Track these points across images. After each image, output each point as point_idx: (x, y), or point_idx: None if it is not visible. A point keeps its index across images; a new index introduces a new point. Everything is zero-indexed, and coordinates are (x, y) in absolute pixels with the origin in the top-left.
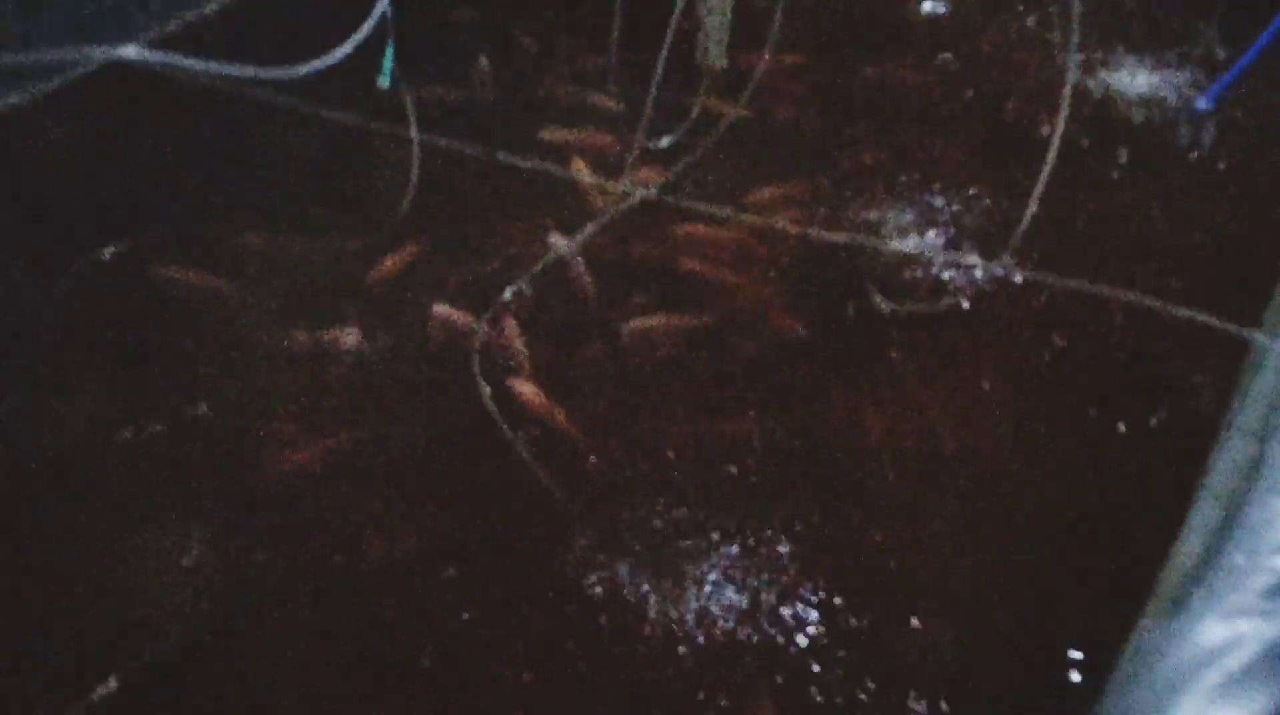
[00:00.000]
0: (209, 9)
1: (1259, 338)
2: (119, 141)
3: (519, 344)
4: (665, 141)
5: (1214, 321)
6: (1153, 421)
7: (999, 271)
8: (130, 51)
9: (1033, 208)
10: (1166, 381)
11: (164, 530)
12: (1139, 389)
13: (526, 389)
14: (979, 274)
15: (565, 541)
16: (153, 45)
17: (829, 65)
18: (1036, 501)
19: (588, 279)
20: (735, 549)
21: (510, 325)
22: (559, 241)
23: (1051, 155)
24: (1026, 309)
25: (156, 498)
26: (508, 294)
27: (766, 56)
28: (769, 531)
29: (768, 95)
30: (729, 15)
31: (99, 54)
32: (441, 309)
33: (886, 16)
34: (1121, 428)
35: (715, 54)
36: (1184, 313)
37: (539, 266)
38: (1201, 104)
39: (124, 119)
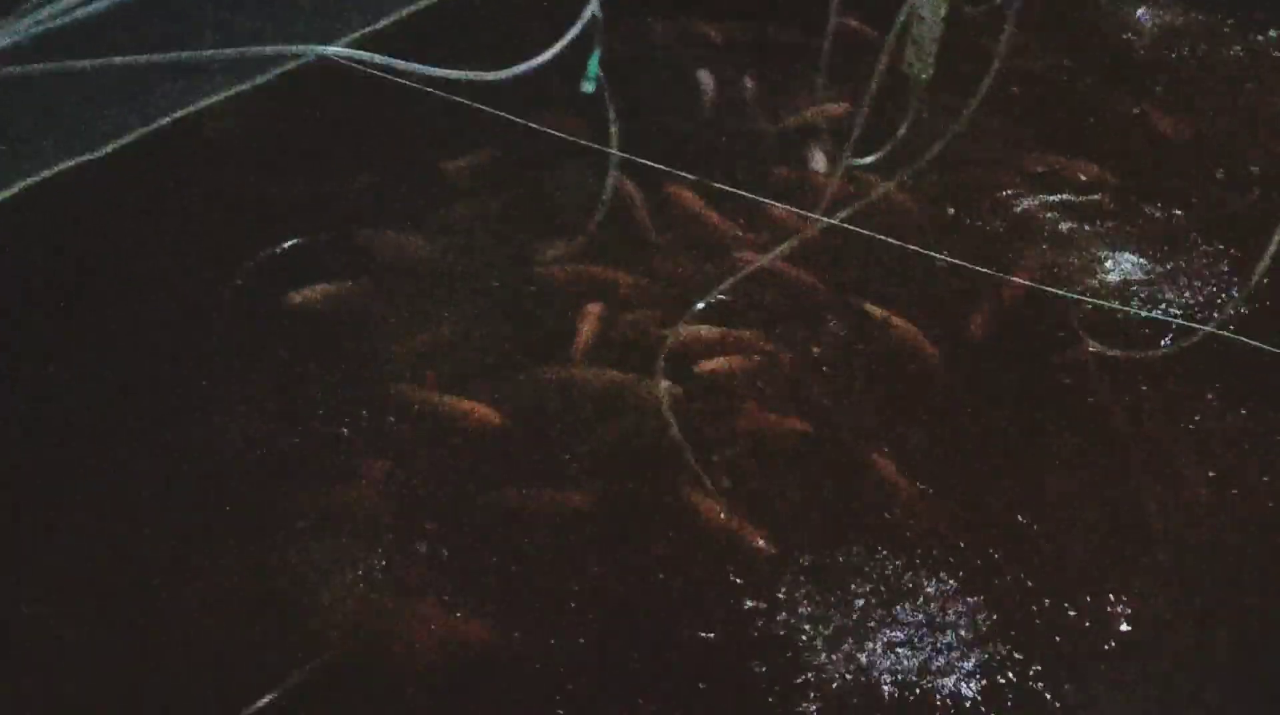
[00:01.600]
0: (417, 7)
1: None
2: (316, 139)
3: None
4: (869, 159)
5: None
6: None
7: None
8: (336, 49)
9: None
10: None
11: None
12: None
13: None
14: None
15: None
16: (359, 44)
17: None
18: None
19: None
20: None
21: None
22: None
23: None
24: None
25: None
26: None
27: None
28: None
29: None
30: (940, 23)
31: (303, 51)
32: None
33: None
34: None
35: (920, 65)
36: None
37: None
38: None
39: (324, 117)
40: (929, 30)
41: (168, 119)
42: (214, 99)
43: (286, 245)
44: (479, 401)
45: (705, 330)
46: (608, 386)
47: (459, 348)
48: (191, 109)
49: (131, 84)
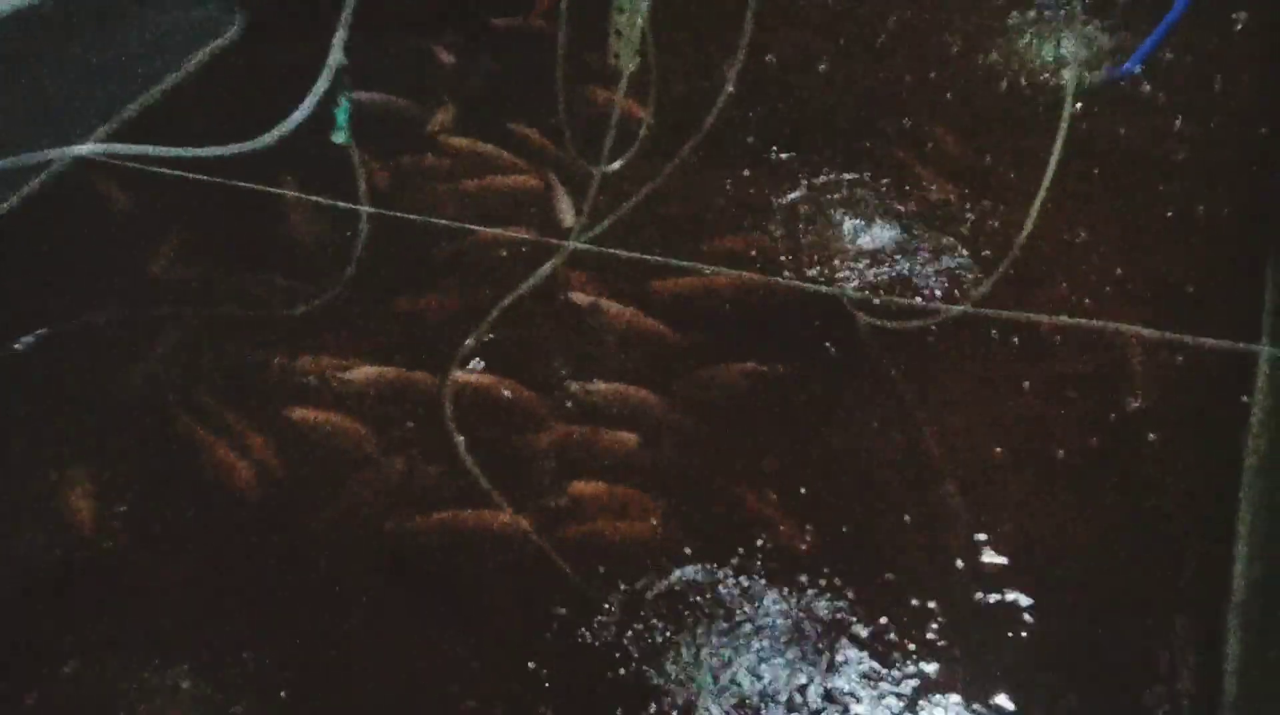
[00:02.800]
0: (162, 89)
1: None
2: (95, 245)
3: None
4: (616, 165)
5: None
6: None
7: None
8: (89, 148)
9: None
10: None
11: None
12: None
13: None
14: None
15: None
16: (110, 137)
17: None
18: None
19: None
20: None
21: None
22: None
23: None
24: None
25: None
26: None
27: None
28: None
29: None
30: (642, 15)
31: (58, 154)
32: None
33: None
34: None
35: (625, 57)
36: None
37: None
38: (1126, 68)
39: (99, 218)
40: (631, 20)
41: None
42: None
43: None
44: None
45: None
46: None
47: None
48: None
49: None
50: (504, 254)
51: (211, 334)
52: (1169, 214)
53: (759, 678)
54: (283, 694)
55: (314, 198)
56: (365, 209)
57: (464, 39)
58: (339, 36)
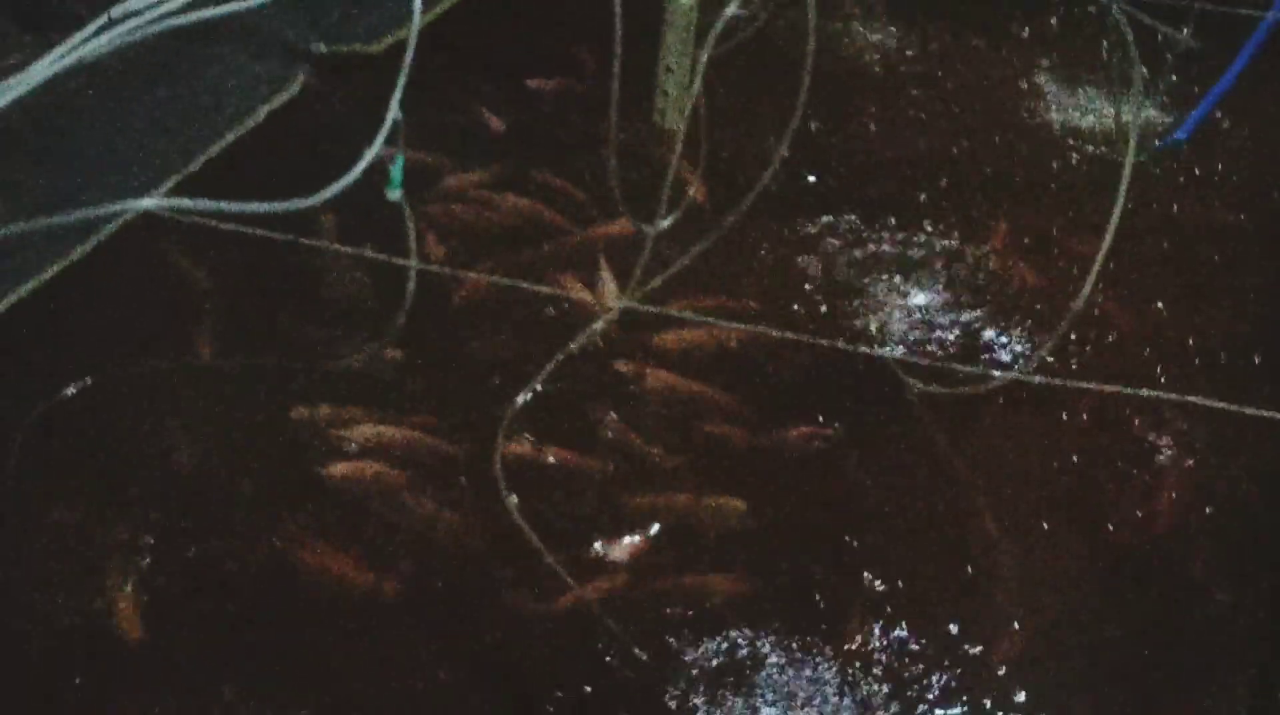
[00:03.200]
0: (224, 144)
1: None
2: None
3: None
4: (667, 223)
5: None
6: None
7: None
8: (153, 202)
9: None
10: None
11: None
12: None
13: None
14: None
15: None
16: (174, 191)
17: None
18: None
19: None
20: None
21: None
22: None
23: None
24: None
25: None
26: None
27: None
28: None
29: None
30: (690, 75)
31: (123, 207)
32: None
33: None
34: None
35: (672, 117)
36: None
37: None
38: (1178, 136)
39: (162, 270)
40: (678, 80)
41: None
42: (44, 277)
43: None
44: None
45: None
46: None
47: None
48: (20, 295)
49: None
50: (552, 312)
51: (254, 387)
52: (1228, 282)
53: None
54: None
55: (366, 252)
56: (414, 265)
57: (506, 100)
58: (396, 94)
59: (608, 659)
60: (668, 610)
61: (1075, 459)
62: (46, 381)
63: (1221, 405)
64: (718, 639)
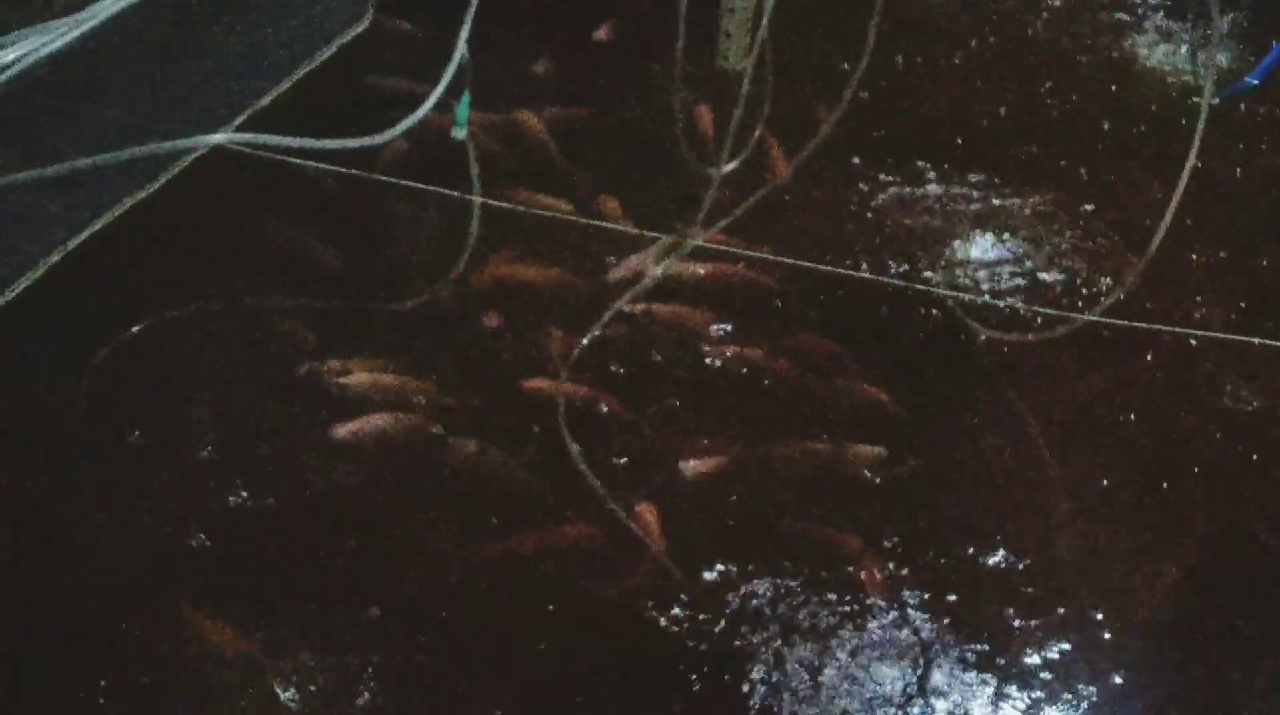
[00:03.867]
0: (294, 80)
1: None
2: (223, 233)
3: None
4: (732, 166)
5: None
6: None
7: None
8: (225, 137)
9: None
10: None
11: None
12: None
13: None
14: None
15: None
16: (245, 127)
17: None
18: None
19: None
20: None
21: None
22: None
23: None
24: None
25: None
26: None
27: None
28: None
29: None
30: (752, 13)
31: (196, 142)
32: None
33: None
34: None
35: (735, 57)
36: None
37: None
38: (1248, 81)
39: (232, 204)
40: (740, 20)
41: (75, 241)
42: (115, 211)
43: None
44: None
45: None
46: None
47: None
48: (95, 228)
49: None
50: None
51: (318, 325)
52: None
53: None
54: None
55: (432, 188)
56: (478, 199)
57: (564, 50)
58: (463, 32)
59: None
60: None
61: (1143, 404)
62: (116, 318)
63: None
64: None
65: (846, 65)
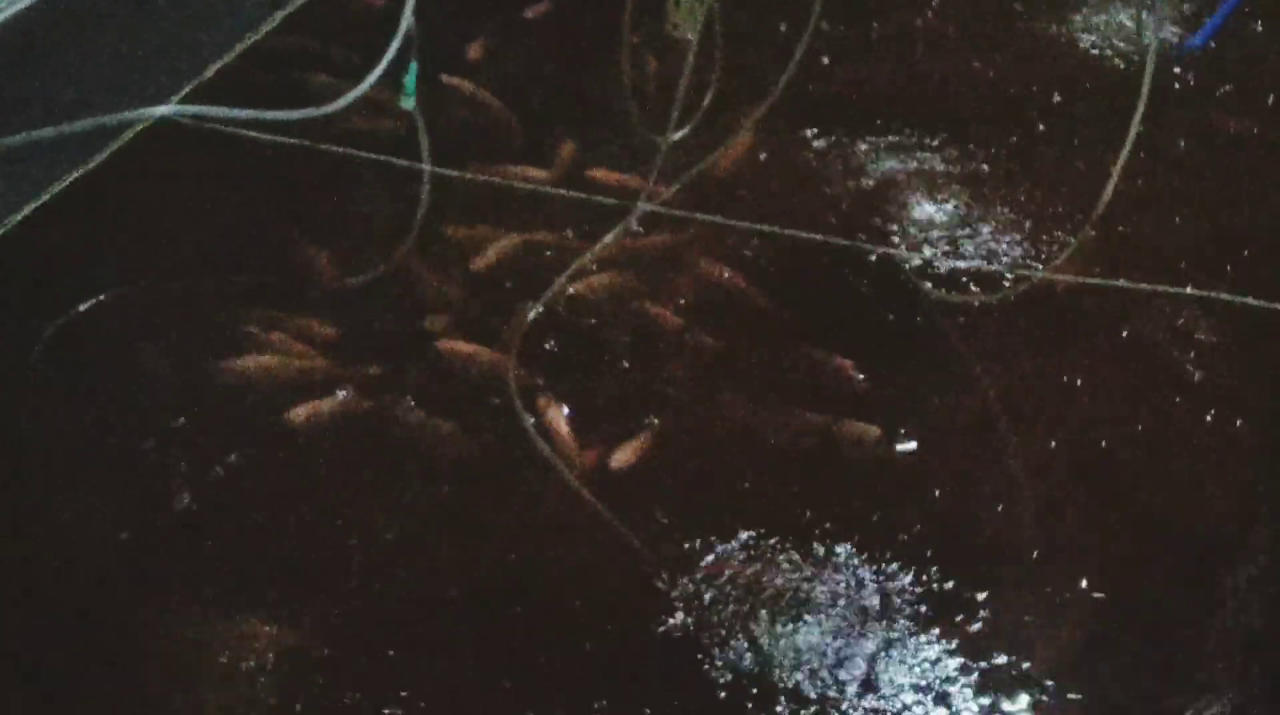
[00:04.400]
0: (239, 51)
1: None
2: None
3: None
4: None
5: None
6: None
7: None
8: (170, 109)
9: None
10: None
11: None
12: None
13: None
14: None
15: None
16: (189, 98)
17: None
18: None
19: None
20: None
21: None
22: None
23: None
24: None
25: None
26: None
27: None
28: None
29: None
30: None
31: (137, 115)
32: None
33: None
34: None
35: (687, 24)
36: None
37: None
38: (1197, 41)
39: (176, 177)
40: None
41: (14, 219)
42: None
43: None
44: None
45: None
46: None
47: None
48: (39, 202)
49: None
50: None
51: (268, 301)
52: (1246, 183)
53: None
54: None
55: (382, 157)
56: (428, 169)
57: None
58: (410, 2)
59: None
60: None
61: (1090, 363)
62: (63, 292)
63: (1247, 300)
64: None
65: (795, 32)
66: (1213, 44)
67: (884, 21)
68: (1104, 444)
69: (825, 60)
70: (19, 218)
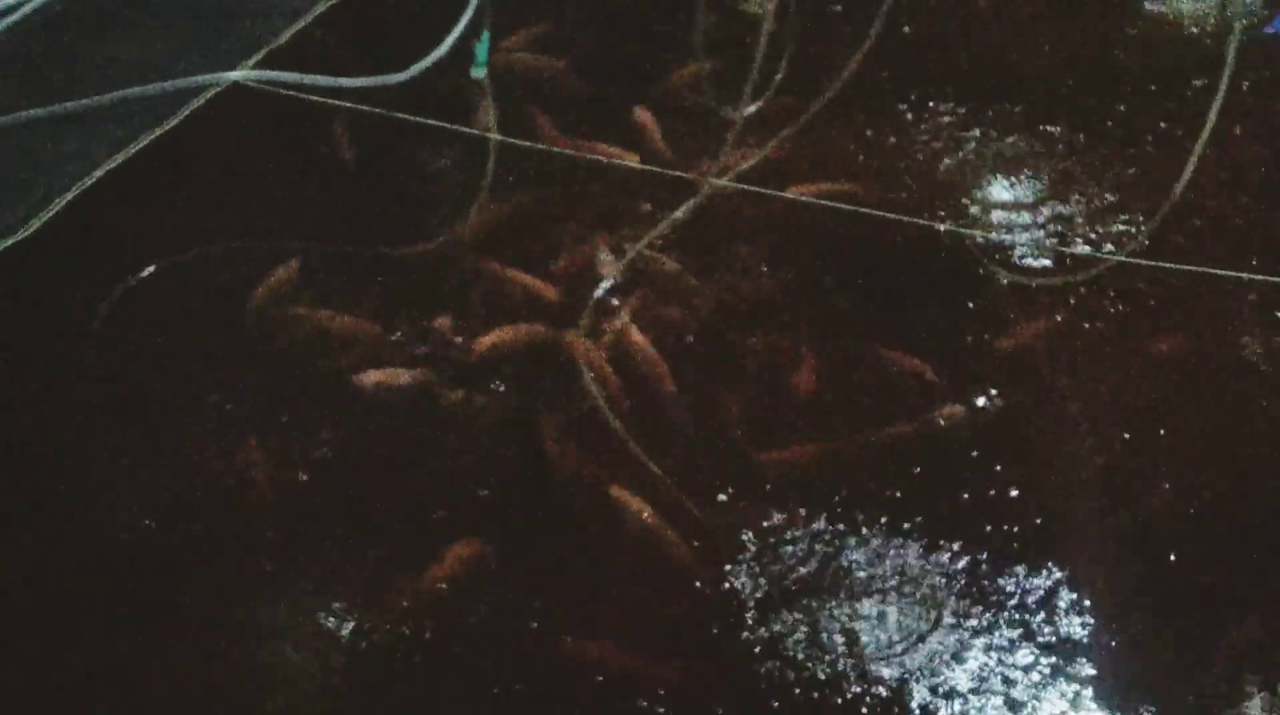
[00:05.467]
0: (315, 15)
1: None
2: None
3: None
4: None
5: None
6: None
7: None
8: (243, 74)
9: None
10: None
11: None
12: None
13: None
14: None
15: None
16: (260, 65)
17: None
18: None
19: None
20: None
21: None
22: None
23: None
24: None
25: None
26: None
27: None
28: None
29: None
30: None
31: (211, 79)
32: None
33: None
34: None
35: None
36: None
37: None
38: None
39: (248, 142)
40: None
41: (91, 179)
42: (134, 148)
43: None
44: None
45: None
46: None
47: None
48: (111, 166)
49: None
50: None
51: (335, 271)
52: None
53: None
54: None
55: (453, 126)
56: (496, 138)
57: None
58: None
59: None
60: None
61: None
62: (130, 257)
63: None
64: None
65: (869, 8)
66: None
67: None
68: (1172, 430)
69: (898, 38)
70: (95, 178)
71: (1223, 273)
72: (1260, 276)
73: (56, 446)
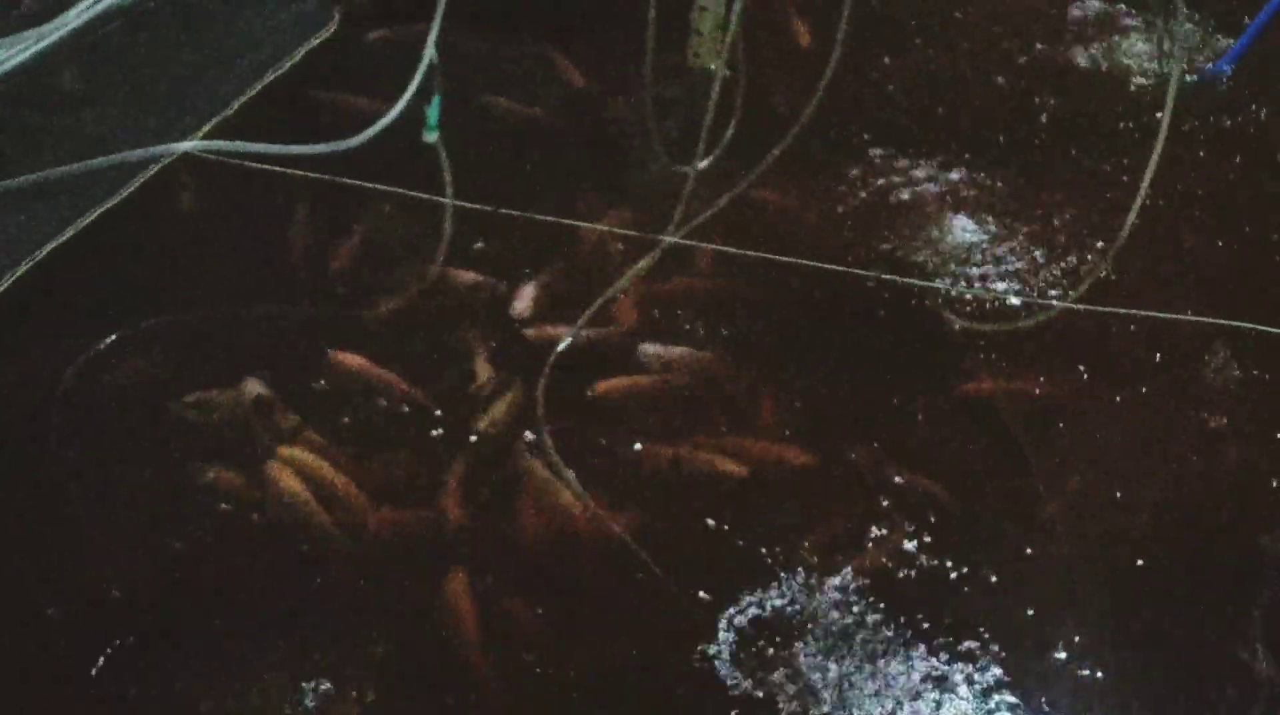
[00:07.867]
0: (262, 85)
1: None
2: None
3: None
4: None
5: None
6: None
7: None
8: (193, 144)
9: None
10: None
11: None
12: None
13: None
14: None
15: None
16: (210, 135)
17: None
18: None
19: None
20: None
21: None
22: None
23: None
24: None
25: None
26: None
27: None
28: None
29: None
30: (724, 14)
31: (161, 151)
32: None
33: None
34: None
35: (707, 55)
36: None
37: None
38: (1220, 67)
39: (201, 212)
40: (712, 18)
41: (42, 252)
42: (85, 220)
43: None
44: None
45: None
46: None
47: None
48: (64, 238)
49: None
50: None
51: (292, 333)
52: (1272, 214)
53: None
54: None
55: (406, 191)
56: (450, 202)
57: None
58: (432, 34)
59: None
60: None
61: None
62: (87, 329)
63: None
64: None
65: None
66: (1231, 70)
67: (904, 53)
68: (1130, 473)
69: (848, 91)
70: (45, 252)
71: (1171, 317)
72: (1208, 318)
73: (25, 513)
